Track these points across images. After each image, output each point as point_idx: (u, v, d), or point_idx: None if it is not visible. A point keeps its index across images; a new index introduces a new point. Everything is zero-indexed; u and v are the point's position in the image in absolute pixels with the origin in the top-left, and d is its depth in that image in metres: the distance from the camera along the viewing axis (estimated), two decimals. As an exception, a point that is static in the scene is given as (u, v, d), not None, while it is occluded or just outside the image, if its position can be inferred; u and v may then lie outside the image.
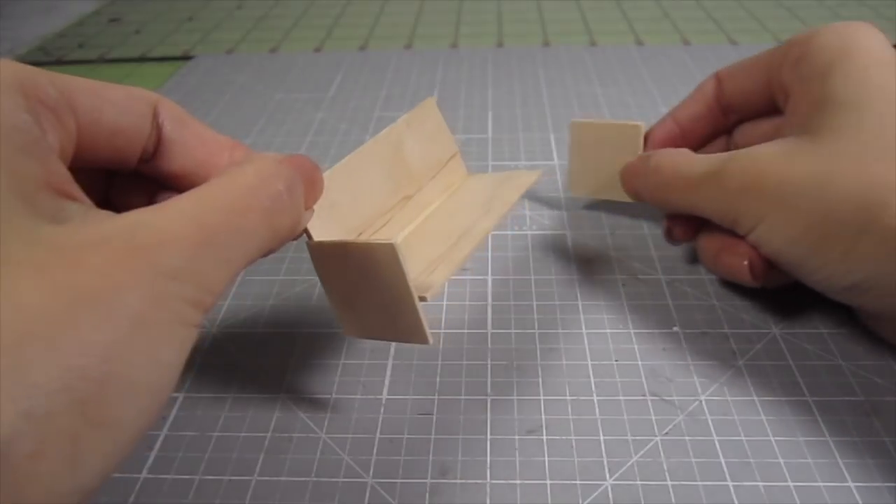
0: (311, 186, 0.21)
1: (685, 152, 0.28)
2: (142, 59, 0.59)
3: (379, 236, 0.26)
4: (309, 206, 0.21)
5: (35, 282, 0.13)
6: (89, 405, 0.13)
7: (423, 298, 0.21)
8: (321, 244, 0.22)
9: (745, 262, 0.26)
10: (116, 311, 0.13)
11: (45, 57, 0.60)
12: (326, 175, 0.22)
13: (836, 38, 0.25)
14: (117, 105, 0.19)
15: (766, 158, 0.24)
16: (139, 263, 0.14)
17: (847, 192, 0.22)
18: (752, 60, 0.29)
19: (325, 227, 0.22)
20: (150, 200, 0.21)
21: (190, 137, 0.21)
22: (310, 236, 0.22)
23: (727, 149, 0.31)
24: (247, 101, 0.50)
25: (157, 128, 0.20)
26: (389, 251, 0.20)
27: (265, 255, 0.19)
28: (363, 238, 0.25)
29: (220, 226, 0.16)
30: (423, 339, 0.21)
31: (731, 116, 0.31)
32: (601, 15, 0.66)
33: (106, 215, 0.16)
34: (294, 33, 0.64)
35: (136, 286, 0.14)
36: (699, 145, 0.32)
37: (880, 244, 0.21)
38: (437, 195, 0.29)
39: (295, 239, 0.21)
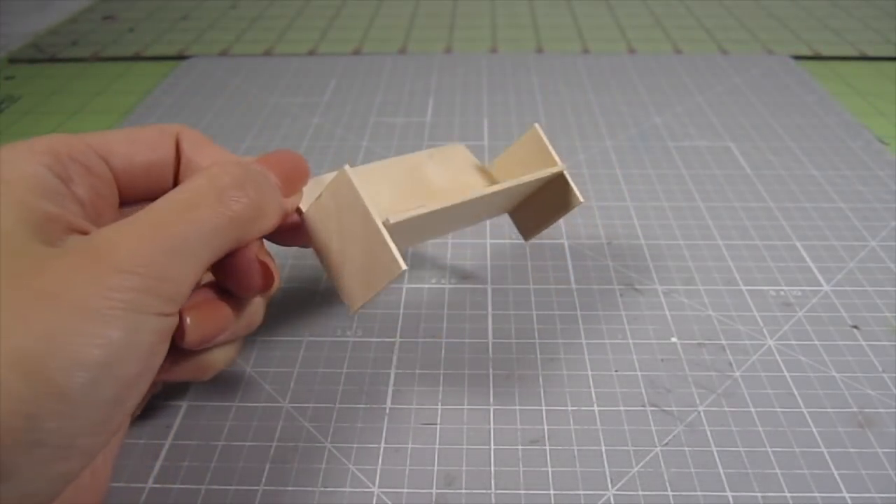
0: (290, 173, 0.22)
1: None
2: (136, 58, 0.59)
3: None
4: (294, 191, 0.23)
5: (6, 283, 0.16)
6: (36, 376, 0.15)
7: (385, 223, 0.21)
8: (307, 209, 0.23)
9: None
10: (62, 303, 0.16)
11: (38, 54, 0.60)
12: (350, 168, 0.22)
13: None
14: (148, 143, 0.22)
15: None
16: (93, 264, 0.17)
17: None
18: None
19: None
20: None
21: (203, 159, 0.23)
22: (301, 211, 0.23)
23: None
24: (242, 106, 0.50)
25: (179, 153, 0.23)
26: (343, 177, 0.21)
27: (241, 243, 0.20)
28: None
29: (170, 219, 0.18)
30: (395, 267, 0.20)
31: None
32: (594, 21, 0.67)
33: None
34: (288, 35, 0.64)
35: (86, 282, 0.16)
36: None
37: None
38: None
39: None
